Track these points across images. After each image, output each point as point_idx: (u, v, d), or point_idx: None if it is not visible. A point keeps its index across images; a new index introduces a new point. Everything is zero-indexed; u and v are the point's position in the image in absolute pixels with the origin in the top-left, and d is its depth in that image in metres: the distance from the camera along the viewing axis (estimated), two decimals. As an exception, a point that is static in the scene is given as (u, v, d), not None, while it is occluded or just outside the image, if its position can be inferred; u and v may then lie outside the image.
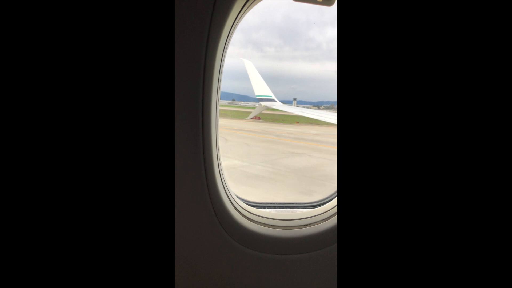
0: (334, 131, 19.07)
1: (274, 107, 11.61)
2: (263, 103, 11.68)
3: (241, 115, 22.51)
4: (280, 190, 6.67)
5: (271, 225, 1.29)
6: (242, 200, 1.36)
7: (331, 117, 8.68)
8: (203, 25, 0.99)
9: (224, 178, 1.27)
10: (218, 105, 1.20)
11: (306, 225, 1.31)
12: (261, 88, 11.51)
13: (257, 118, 22.45)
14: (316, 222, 1.32)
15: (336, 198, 1.37)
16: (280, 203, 1.45)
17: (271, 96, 11.67)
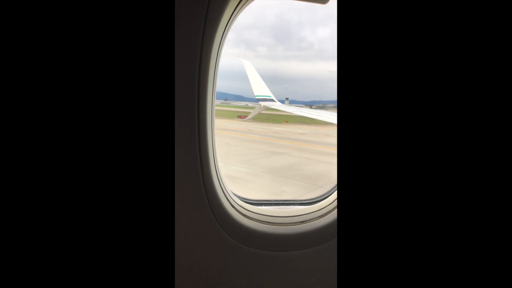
0: (321, 130, 19.22)
1: (273, 107, 11.55)
2: (263, 103, 11.59)
3: (231, 115, 22.51)
4: (247, 191, 6.67)
5: (268, 222, 1.31)
6: (239, 197, 1.38)
7: (330, 116, 8.73)
8: (197, 25, 1.00)
9: (221, 175, 1.28)
10: (214, 104, 1.21)
11: (303, 222, 1.33)
12: (260, 88, 11.41)
13: (245, 117, 22.49)
14: (312, 219, 1.34)
15: (332, 195, 1.39)
16: (277, 200, 1.47)
17: (270, 96, 11.58)
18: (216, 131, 1.24)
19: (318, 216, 1.34)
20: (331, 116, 8.65)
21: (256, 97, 11.50)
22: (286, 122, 22.94)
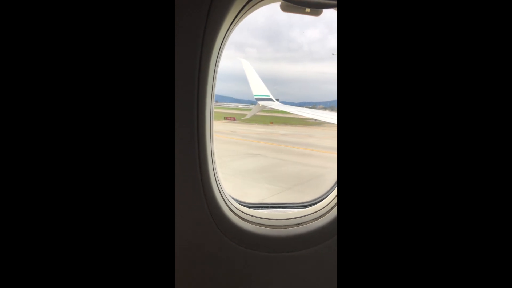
0: (305, 131, 19.32)
1: (272, 106, 11.55)
2: (261, 103, 11.61)
3: (217, 117, 22.47)
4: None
5: (265, 224, 1.34)
6: (237, 201, 1.41)
7: (327, 116, 8.85)
8: (198, 28, 1.00)
9: (219, 179, 1.31)
10: (213, 107, 1.23)
11: (298, 224, 1.36)
12: (258, 88, 11.42)
13: (232, 118, 22.47)
14: (307, 221, 1.37)
15: (326, 199, 1.44)
16: (273, 204, 1.51)
17: (268, 96, 11.60)
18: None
19: (313, 219, 1.38)
20: (329, 116, 8.75)
21: (255, 97, 11.52)
22: (272, 123, 22.98)
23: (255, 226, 1.31)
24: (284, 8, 1.22)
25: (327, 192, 1.47)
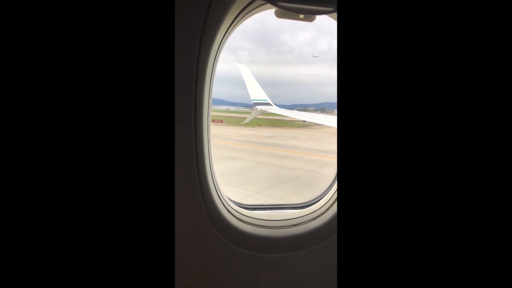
0: (291, 133, 19.37)
1: (270, 111, 11.62)
2: (259, 107, 11.68)
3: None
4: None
5: (263, 225, 1.36)
6: (235, 203, 1.43)
7: (325, 119, 9.04)
8: (196, 30, 1.02)
9: (217, 181, 1.32)
10: (210, 109, 1.24)
11: (295, 224, 1.39)
12: (256, 92, 11.46)
13: (219, 121, 22.43)
14: (304, 222, 1.40)
15: (322, 199, 1.47)
16: (271, 205, 1.53)
17: (267, 100, 11.63)
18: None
19: (310, 219, 1.40)
20: (326, 119, 8.92)
21: (253, 101, 11.54)
22: (259, 125, 23.00)
23: (253, 227, 1.33)
24: (279, 14, 1.25)
25: (323, 193, 1.50)
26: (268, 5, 1.15)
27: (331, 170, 8.77)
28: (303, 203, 1.54)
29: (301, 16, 1.23)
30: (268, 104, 11.70)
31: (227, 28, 1.15)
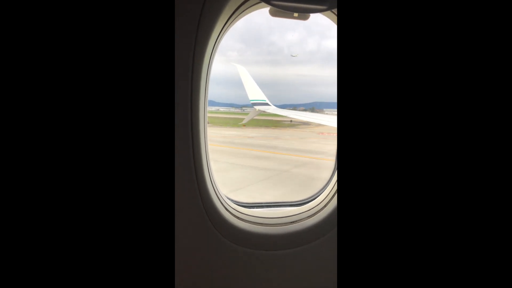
0: (276, 133, 19.32)
1: (268, 111, 11.58)
2: (257, 107, 11.70)
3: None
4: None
5: (261, 223, 1.36)
6: (233, 201, 1.43)
7: (323, 118, 9.14)
8: (191, 30, 1.02)
9: (214, 179, 1.32)
10: (206, 108, 1.25)
11: (293, 222, 1.39)
12: (254, 93, 11.46)
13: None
14: (302, 219, 1.40)
15: (319, 197, 1.48)
16: (268, 203, 1.53)
17: (265, 100, 11.61)
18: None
19: (308, 216, 1.41)
20: (325, 118, 9.05)
21: (251, 102, 11.54)
22: (244, 125, 22.93)
23: (251, 225, 1.33)
24: (273, 13, 1.26)
25: (321, 190, 1.52)
26: (263, 4, 1.16)
27: (304, 170, 8.72)
28: (301, 200, 1.55)
29: (295, 14, 1.25)
30: (267, 104, 11.70)
31: (221, 27, 1.15)
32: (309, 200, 1.52)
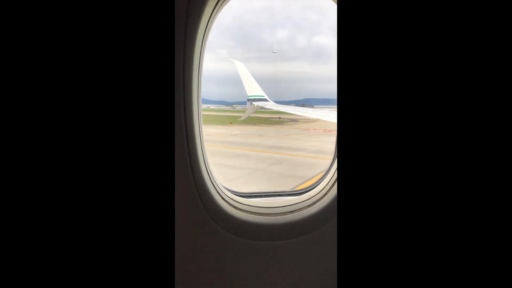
0: (260, 131, 19.18)
1: (267, 107, 11.53)
2: (256, 103, 11.64)
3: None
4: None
5: (259, 213, 1.33)
6: (230, 191, 1.40)
7: (323, 114, 9.19)
8: (179, 26, 1.01)
9: (210, 169, 1.29)
10: (200, 99, 1.23)
11: (292, 211, 1.36)
12: (253, 89, 11.41)
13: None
14: (301, 208, 1.37)
15: (319, 186, 1.45)
16: (267, 192, 1.51)
17: (263, 96, 11.57)
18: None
19: (307, 206, 1.38)
20: (325, 114, 9.11)
21: (249, 97, 11.59)
22: (231, 123, 22.75)
23: (249, 214, 1.31)
24: None
25: (320, 179, 1.49)
26: None
27: (279, 167, 8.60)
28: (300, 190, 1.53)
29: None
30: (265, 100, 11.67)
31: (208, 17, 1.13)
32: (308, 189, 1.50)
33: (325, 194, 1.39)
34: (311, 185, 1.52)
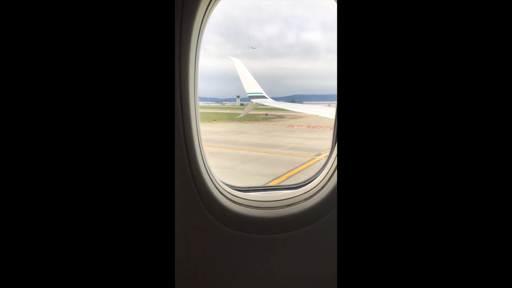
0: (243, 127, 18.96)
1: (265, 104, 11.52)
2: (254, 100, 11.58)
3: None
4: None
5: (257, 207, 1.34)
6: (228, 185, 1.41)
7: (317, 110, 9.26)
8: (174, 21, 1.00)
9: (208, 163, 1.29)
10: (197, 94, 1.24)
11: (290, 205, 1.36)
12: (251, 86, 11.32)
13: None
14: (298, 201, 1.38)
15: (316, 179, 1.46)
16: (264, 186, 1.55)
17: (261, 93, 11.49)
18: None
19: (304, 199, 1.38)
20: (323, 111, 9.16)
21: (248, 95, 11.45)
22: (215, 120, 22.51)
23: (247, 208, 1.31)
24: None
25: (317, 173, 1.50)
26: None
27: (250, 166, 8.41)
28: (297, 183, 1.53)
29: None
30: (264, 97, 11.60)
31: (203, 13, 1.12)
32: (304, 183, 1.51)
33: (322, 188, 1.39)
34: (309, 179, 1.53)
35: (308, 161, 9.06)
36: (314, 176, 1.51)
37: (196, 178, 1.17)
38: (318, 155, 9.91)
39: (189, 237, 1.23)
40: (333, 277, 1.30)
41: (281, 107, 11.65)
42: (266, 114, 29.13)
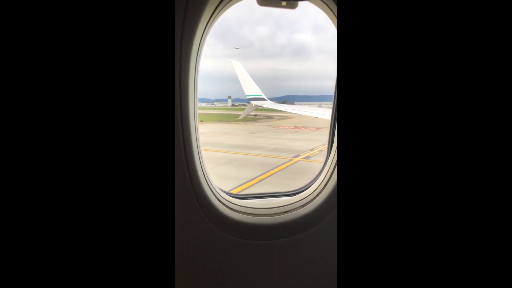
0: (228, 128, 18.76)
1: (265, 105, 11.49)
2: (254, 102, 11.59)
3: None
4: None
5: (254, 213, 1.34)
6: (225, 192, 1.41)
7: (319, 112, 9.39)
8: (177, 25, 1.00)
9: (206, 171, 1.29)
10: (197, 100, 1.23)
11: (286, 211, 1.37)
12: (250, 88, 11.33)
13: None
14: (295, 208, 1.39)
15: (312, 186, 1.47)
16: (261, 194, 1.52)
17: (261, 95, 11.53)
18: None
19: (300, 206, 1.39)
20: (322, 112, 9.32)
21: (247, 97, 11.39)
22: (202, 121, 22.29)
23: (244, 215, 1.32)
24: (261, 2, 1.25)
25: (313, 180, 1.50)
26: None
27: (224, 168, 8.20)
28: (294, 190, 1.54)
29: (284, 3, 1.24)
30: (263, 99, 11.62)
31: (207, 21, 1.12)
32: (300, 190, 1.52)
33: (318, 194, 1.40)
34: (304, 186, 1.54)
35: (285, 163, 8.92)
36: (310, 182, 1.52)
37: (196, 186, 1.18)
38: (296, 156, 9.77)
39: (187, 242, 1.24)
40: (330, 283, 1.36)
41: (280, 109, 11.71)
42: (255, 115, 28.97)
